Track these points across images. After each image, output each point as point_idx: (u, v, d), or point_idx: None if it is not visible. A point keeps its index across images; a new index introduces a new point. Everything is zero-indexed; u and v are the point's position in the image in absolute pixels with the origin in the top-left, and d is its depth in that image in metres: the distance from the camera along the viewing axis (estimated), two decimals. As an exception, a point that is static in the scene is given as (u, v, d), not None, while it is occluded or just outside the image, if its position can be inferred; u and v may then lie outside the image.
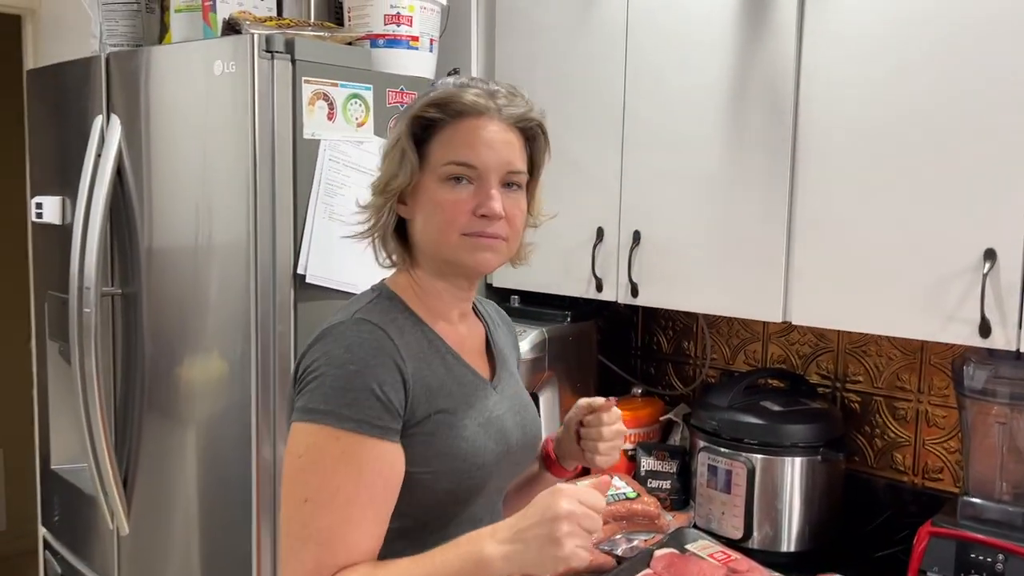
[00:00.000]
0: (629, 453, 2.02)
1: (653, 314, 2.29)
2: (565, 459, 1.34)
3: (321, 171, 1.70)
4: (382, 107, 1.80)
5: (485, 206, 1.10)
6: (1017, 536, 1.44)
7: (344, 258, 1.71)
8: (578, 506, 0.94)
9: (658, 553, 1.59)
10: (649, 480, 1.95)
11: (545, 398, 2.06)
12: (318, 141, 1.70)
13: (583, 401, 1.29)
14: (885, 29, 1.46)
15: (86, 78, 2.00)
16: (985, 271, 1.36)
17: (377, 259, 1.20)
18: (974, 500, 1.52)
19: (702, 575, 1.51)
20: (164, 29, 2.10)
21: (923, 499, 1.80)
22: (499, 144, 1.11)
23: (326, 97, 1.70)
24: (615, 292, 1.87)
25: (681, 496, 1.93)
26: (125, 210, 1.92)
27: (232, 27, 1.73)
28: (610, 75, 1.85)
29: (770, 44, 1.60)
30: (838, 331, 1.94)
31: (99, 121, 1.93)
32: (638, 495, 1.84)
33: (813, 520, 1.73)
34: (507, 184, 1.13)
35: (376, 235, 1.17)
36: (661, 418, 2.12)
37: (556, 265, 1.94)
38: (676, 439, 2.09)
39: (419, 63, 1.94)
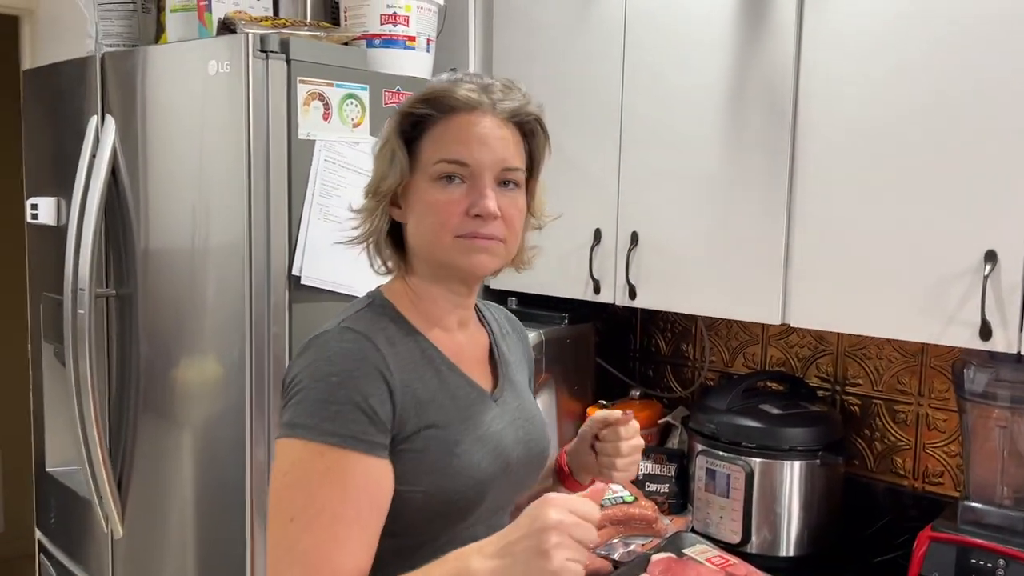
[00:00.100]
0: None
1: (652, 316, 2.28)
2: (579, 472, 1.28)
3: (316, 172, 1.69)
4: (378, 108, 1.78)
5: (479, 205, 1.04)
6: (1018, 541, 1.43)
7: (339, 260, 1.69)
8: (568, 516, 0.88)
9: (655, 558, 1.58)
10: (647, 484, 1.93)
11: (542, 401, 2.04)
12: (313, 142, 1.69)
13: (599, 414, 1.23)
14: (884, 28, 1.45)
15: (81, 78, 1.99)
16: (986, 273, 1.34)
17: (372, 266, 1.15)
18: (974, 505, 1.51)
19: (699, 580, 1.50)
20: (160, 29, 2.09)
21: (923, 503, 1.79)
22: (493, 140, 1.06)
23: (322, 97, 1.69)
24: (613, 294, 1.86)
25: (679, 500, 1.92)
26: (120, 211, 1.91)
27: (227, 27, 1.72)
28: (608, 74, 1.84)
29: (769, 43, 1.59)
30: (838, 333, 1.92)
31: (94, 121, 1.93)
32: (635, 499, 1.83)
33: (812, 524, 1.72)
34: (503, 183, 1.08)
35: (370, 240, 1.12)
36: (659, 421, 2.11)
37: (553, 266, 1.92)
38: (674, 442, 2.08)
39: (416, 63, 1.93)
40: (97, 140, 1.91)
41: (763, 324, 1.99)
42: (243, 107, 1.60)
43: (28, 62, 2.92)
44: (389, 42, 1.89)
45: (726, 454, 1.73)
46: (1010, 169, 1.33)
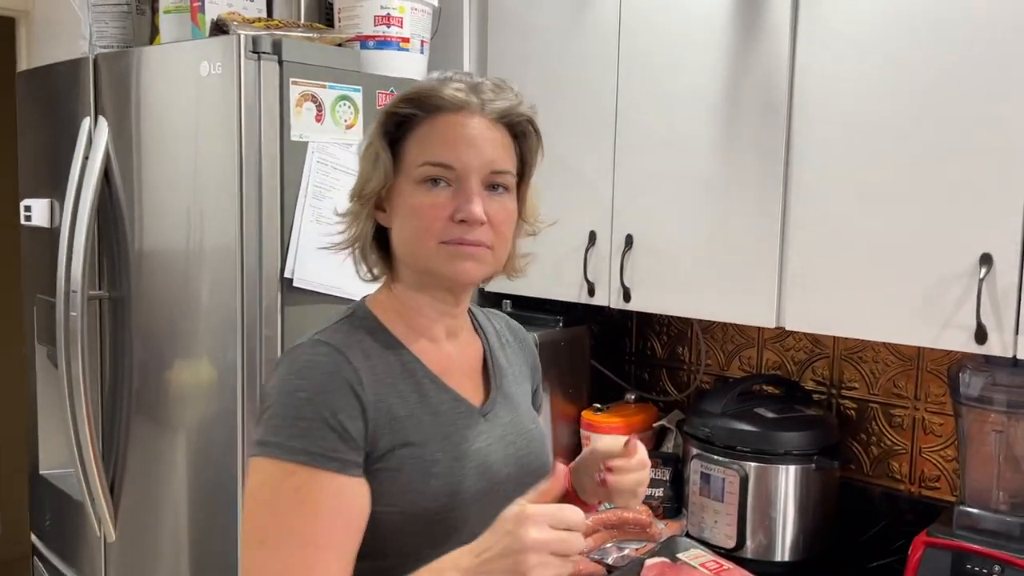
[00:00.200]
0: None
1: (648, 319, 2.27)
2: (584, 494, 1.19)
3: (309, 174, 1.68)
4: (371, 109, 1.77)
5: (464, 210, 0.99)
6: (1014, 547, 1.42)
7: (332, 262, 1.68)
8: (548, 532, 0.83)
9: (649, 562, 1.57)
10: (642, 487, 1.92)
11: (537, 404, 2.03)
12: (306, 143, 1.68)
13: (600, 447, 1.15)
14: (878, 29, 1.44)
15: (74, 80, 1.98)
16: (981, 276, 1.33)
17: (358, 272, 1.10)
18: (970, 510, 1.50)
19: (693, 585, 1.49)
20: (155, 31, 2.09)
21: (920, 508, 1.78)
22: (481, 142, 1.01)
23: (314, 99, 1.68)
24: (607, 297, 1.85)
25: (674, 504, 1.91)
26: (113, 213, 1.90)
27: (220, 28, 1.72)
28: (603, 76, 1.83)
29: (763, 44, 1.58)
30: (834, 337, 1.91)
31: (87, 123, 1.92)
32: (630, 503, 1.81)
33: (807, 529, 1.71)
34: (491, 186, 1.03)
35: (356, 245, 1.08)
36: (654, 425, 2.10)
37: (548, 269, 1.91)
38: (669, 446, 2.06)
39: (410, 64, 1.92)
40: (90, 142, 1.90)
41: (759, 327, 1.98)
42: (235, 108, 1.59)
43: (24, 63, 2.92)
44: (383, 43, 1.88)
45: (721, 458, 1.72)
46: (1004, 171, 1.32)
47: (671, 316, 2.17)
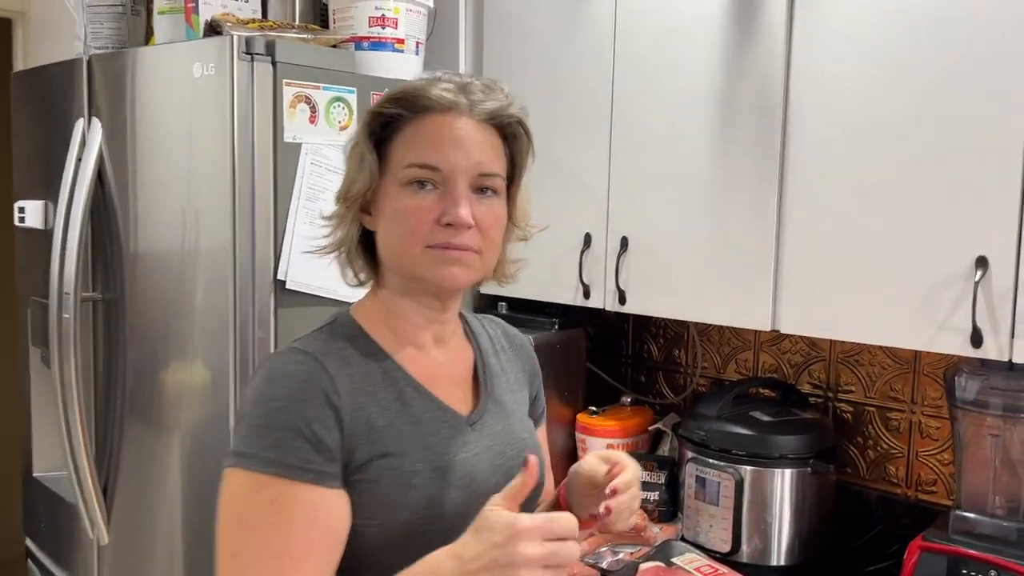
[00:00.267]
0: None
1: (644, 321, 2.26)
2: (579, 510, 1.12)
3: (303, 175, 1.68)
4: (366, 111, 1.77)
5: (450, 214, 0.96)
6: (1010, 552, 1.41)
7: (325, 264, 1.68)
8: (541, 547, 0.80)
9: (644, 566, 1.56)
10: (637, 491, 1.91)
11: (532, 407, 2.02)
12: (299, 145, 1.67)
13: (585, 468, 1.10)
14: (874, 29, 1.44)
15: (69, 81, 1.98)
16: (977, 279, 1.33)
17: (344, 278, 1.07)
18: (966, 514, 1.49)
19: (687, 590, 1.48)
20: (150, 32, 2.08)
21: (916, 512, 1.77)
22: (469, 143, 0.98)
23: (308, 100, 1.67)
24: (603, 299, 1.84)
25: (669, 508, 1.90)
26: (107, 214, 1.89)
27: (214, 29, 1.71)
28: (598, 77, 1.82)
29: (759, 44, 1.58)
30: (830, 340, 1.90)
31: (80, 124, 1.91)
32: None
33: (803, 533, 1.70)
34: (480, 189, 0.99)
35: (342, 249, 1.04)
36: (650, 428, 2.09)
37: (543, 272, 1.91)
38: (665, 449, 2.06)
39: (404, 66, 1.91)
40: (84, 143, 1.90)
41: (755, 330, 1.97)
42: (228, 110, 1.58)
43: (20, 64, 2.91)
44: (377, 44, 1.88)
45: (716, 462, 1.71)
46: (1001, 174, 1.31)
47: (667, 319, 2.16)
